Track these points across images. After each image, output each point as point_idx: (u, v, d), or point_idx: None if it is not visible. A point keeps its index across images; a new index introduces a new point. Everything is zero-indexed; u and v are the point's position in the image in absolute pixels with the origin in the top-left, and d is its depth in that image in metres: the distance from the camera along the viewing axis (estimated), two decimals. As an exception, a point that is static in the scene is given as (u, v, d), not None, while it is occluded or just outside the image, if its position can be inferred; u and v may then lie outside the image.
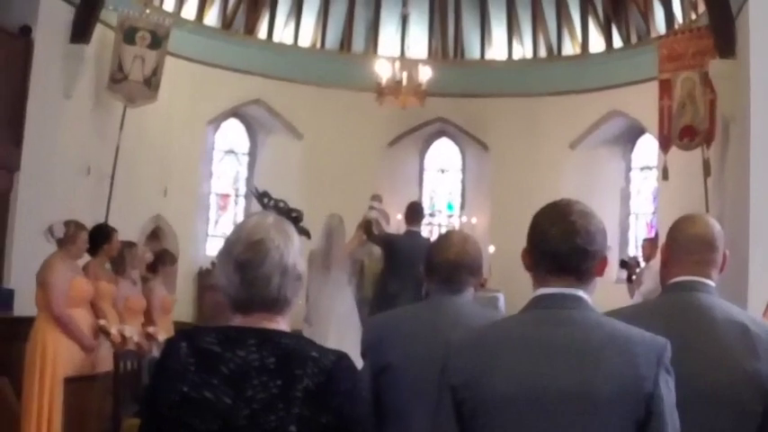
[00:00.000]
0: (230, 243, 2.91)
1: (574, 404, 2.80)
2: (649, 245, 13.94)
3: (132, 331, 9.40)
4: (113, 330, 8.98)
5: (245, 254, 2.85)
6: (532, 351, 2.88)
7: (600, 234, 3.01)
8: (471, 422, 2.92)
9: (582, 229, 2.97)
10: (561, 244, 2.97)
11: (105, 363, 8.97)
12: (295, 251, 2.91)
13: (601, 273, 3.05)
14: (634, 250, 17.19)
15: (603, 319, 2.98)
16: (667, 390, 2.84)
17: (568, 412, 2.80)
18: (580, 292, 2.98)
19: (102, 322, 9.00)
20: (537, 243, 3.04)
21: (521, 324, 3.00)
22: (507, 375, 2.86)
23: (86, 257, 9.53)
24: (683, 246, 3.69)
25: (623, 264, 14.05)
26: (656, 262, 13.08)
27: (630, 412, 2.80)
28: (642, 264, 13.76)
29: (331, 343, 9.14)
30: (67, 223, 8.84)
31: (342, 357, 2.87)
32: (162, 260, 11.22)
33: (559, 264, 2.98)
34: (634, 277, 13.32)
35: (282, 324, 2.92)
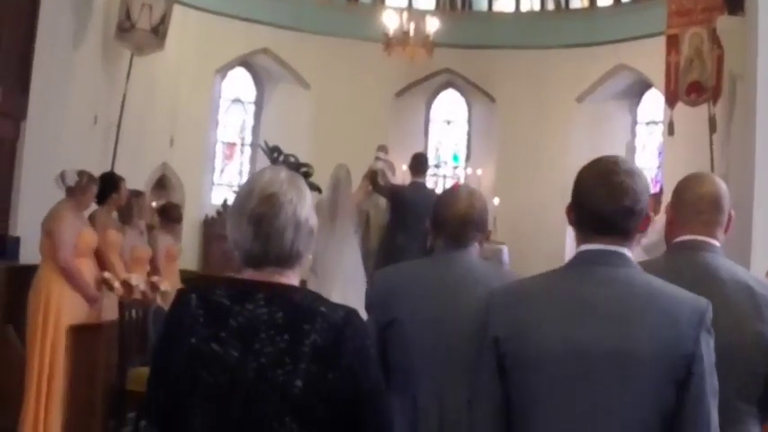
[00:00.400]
0: (243, 197, 2.91)
1: (615, 363, 2.84)
2: (652, 200, 13.96)
3: (138, 279, 9.44)
4: (116, 284, 9.01)
5: (259, 208, 2.85)
6: (576, 309, 2.91)
7: (645, 192, 3.04)
8: (512, 376, 2.95)
9: (629, 190, 2.98)
10: (608, 204, 2.98)
11: (110, 312, 9.04)
12: (308, 205, 2.92)
13: (644, 229, 3.08)
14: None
15: (647, 278, 3.00)
16: (708, 350, 2.88)
17: (609, 371, 2.84)
18: (624, 250, 3.00)
19: (106, 275, 9.04)
20: (583, 202, 3.05)
21: (565, 280, 3.03)
22: (550, 332, 2.90)
23: (93, 206, 9.57)
24: (690, 205, 3.70)
25: None
26: (660, 217, 13.14)
27: (671, 372, 2.84)
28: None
29: (336, 295, 9.24)
30: (81, 173, 8.82)
31: (351, 314, 2.87)
32: (168, 215, 11.25)
33: (605, 223, 3.00)
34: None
35: (293, 278, 2.93)
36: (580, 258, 3.04)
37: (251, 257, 2.90)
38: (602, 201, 2.98)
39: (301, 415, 2.76)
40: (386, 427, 2.98)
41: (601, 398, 2.85)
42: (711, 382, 2.87)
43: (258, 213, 2.85)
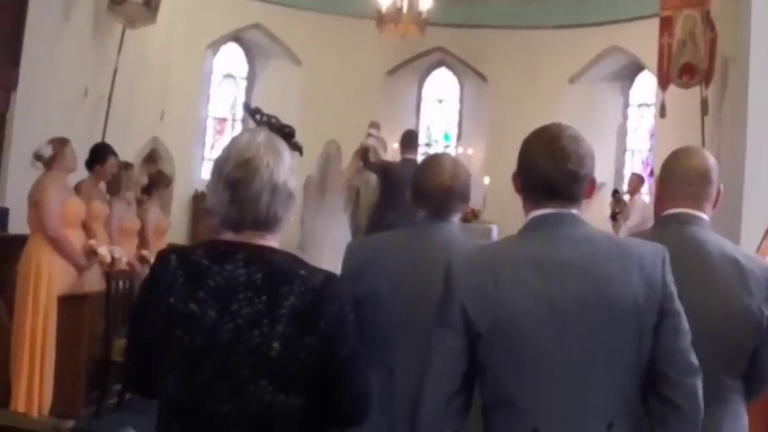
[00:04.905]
0: (221, 161, 2.91)
1: (590, 315, 2.87)
2: (636, 180, 14.19)
3: (121, 252, 9.41)
4: (100, 250, 8.99)
5: (236, 173, 2.85)
6: (545, 268, 2.92)
7: (589, 157, 3.07)
8: (486, 340, 2.93)
9: (573, 154, 3.02)
10: (553, 169, 3.02)
11: (97, 283, 9.03)
12: (285, 168, 2.91)
13: (589, 195, 3.11)
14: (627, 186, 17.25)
15: (603, 233, 3.09)
16: (673, 286, 2.97)
17: (584, 323, 2.87)
18: (573, 211, 3.04)
19: (91, 242, 9.02)
20: (528, 168, 3.10)
21: (526, 242, 3.04)
22: (524, 292, 2.90)
23: (80, 176, 9.53)
24: (679, 177, 3.69)
25: (615, 192, 14.71)
26: (639, 197, 13.37)
27: (645, 313, 2.90)
28: (626, 197, 14.12)
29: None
30: (51, 141, 8.81)
31: (331, 278, 2.88)
32: (157, 182, 11.23)
33: (552, 188, 3.03)
34: (619, 215, 13.80)
35: (272, 241, 2.92)
36: (536, 223, 3.07)
37: (229, 221, 2.89)
38: (548, 166, 3.03)
39: (277, 377, 2.76)
40: (362, 393, 2.98)
41: (584, 348, 2.88)
42: (683, 319, 2.97)
43: (234, 179, 2.85)
